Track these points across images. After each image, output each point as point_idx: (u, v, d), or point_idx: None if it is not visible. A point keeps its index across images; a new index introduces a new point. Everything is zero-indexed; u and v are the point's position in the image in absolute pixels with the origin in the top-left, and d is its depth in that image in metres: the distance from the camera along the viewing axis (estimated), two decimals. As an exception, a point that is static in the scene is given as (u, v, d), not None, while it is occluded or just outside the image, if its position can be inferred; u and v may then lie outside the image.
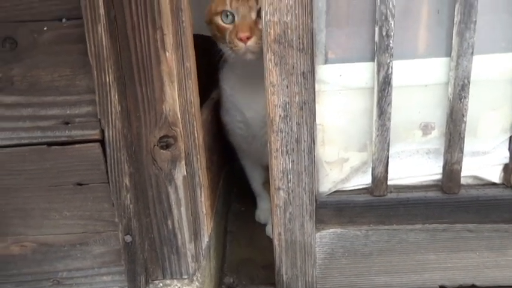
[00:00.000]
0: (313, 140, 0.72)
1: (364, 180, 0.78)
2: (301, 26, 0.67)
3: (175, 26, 0.60)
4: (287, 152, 0.73)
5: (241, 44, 0.81)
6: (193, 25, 0.79)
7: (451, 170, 0.75)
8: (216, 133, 1.02)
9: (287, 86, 0.70)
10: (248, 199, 1.19)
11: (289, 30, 0.67)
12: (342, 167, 0.78)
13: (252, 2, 0.82)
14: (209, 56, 0.93)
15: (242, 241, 1.06)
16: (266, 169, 0.88)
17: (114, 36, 0.55)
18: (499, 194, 0.76)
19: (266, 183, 1.09)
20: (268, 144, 0.72)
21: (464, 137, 0.73)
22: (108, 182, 0.59)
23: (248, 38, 0.80)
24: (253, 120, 0.94)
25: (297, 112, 0.71)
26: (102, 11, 0.51)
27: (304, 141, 0.72)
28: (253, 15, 0.83)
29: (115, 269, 0.64)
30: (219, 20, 0.85)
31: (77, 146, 0.57)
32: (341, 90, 0.73)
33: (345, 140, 0.76)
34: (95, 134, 0.57)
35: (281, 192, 0.75)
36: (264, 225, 1.12)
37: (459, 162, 0.74)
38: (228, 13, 0.83)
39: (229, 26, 0.84)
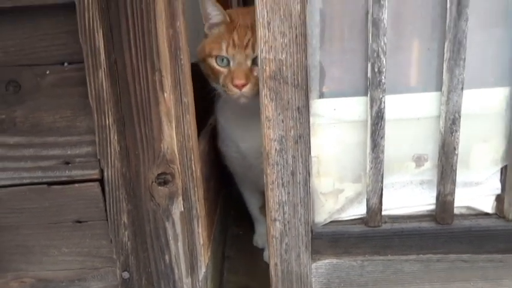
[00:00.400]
0: (308, 173, 0.74)
1: (359, 210, 0.79)
2: (295, 63, 0.69)
3: (174, 66, 0.62)
4: (283, 184, 0.74)
5: (236, 90, 0.81)
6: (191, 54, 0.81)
7: (444, 201, 0.76)
8: (214, 159, 1.04)
9: (282, 121, 0.71)
10: (246, 222, 1.20)
11: (284, 67, 0.69)
12: (337, 198, 0.79)
13: (248, 51, 0.83)
14: (206, 83, 0.95)
15: (240, 267, 1.07)
16: (263, 194, 0.89)
17: (114, 80, 0.57)
18: (492, 224, 0.77)
19: (263, 207, 1.10)
20: (265, 177, 0.74)
21: (456, 169, 0.74)
22: (107, 220, 0.60)
23: (243, 85, 0.81)
24: (248, 151, 0.96)
25: (292, 145, 0.72)
26: (103, 56, 0.54)
27: (300, 173, 0.74)
28: (249, 63, 0.83)
29: (113, 305, 0.65)
30: (213, 63, 0.85)
31: (76, 185, 0.59)
32: (335, 123, 0.75)
33: (339, 171, 0.78)
34: (94, 173, 0.58)
35: (277, 223, 0.76)
36: (262, 249, 1.13)
37: (452, 193, 0.75)
38: (224, 58, 0.84)
39: (224, 70, 0.84)
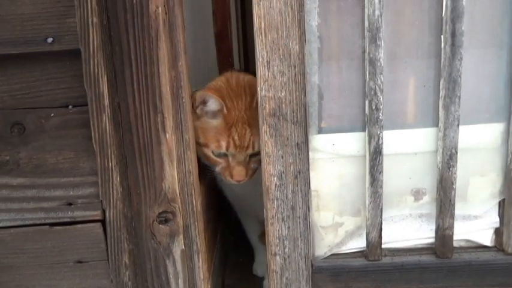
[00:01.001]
0: (308, 207, 0.74)
1: (359, 243, 0.79)
2: (294, 101, 0.71)
3: (176, 106, 0.64)
4: (283, 219, 0.75)
5: (234, 182, 0.82)
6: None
7: (443, 235, 0.76)
8: (215, 188, 1.04)
9: (282, 157, 0.72)
10: (245, 249, 1.19)
11: (283, 105, 0.71)
12: (337, 232, 0.79)
13: (249, 150, 0.81)
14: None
15: (239, 297, 1.06)
16: (262, 222, 0.89)
17: (118, 122, 0.58)
18: (491, 258, 0.78)
19: (263, 236, 1.09)
20: (265, 211, 0.75)
21: (454, 203, 0.75)
22: (108, 260, 0.60)
23: (243, 179, 0.81)
24: (244, 194, 0.96)
25: (292, 181, 0.73)
26: (107, 101, 0.55)
27: (299, 208, 0.74)
28: (247, 158, 0.82)
29: None
30: (209, 153, 0.81)
31: (78, 226, 0.59)
32: (334, 158, 0.76)
33: (339, 205, 0.78)
34: (96, 214, 0.59)
35: (277, 257, 0.76)
36: (262, 278, 1.12)
37: (451, 227, 0.76)
38: (221, 152, 0.81)
39: (221, 161, 0.82)
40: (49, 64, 0.57)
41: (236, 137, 0.81)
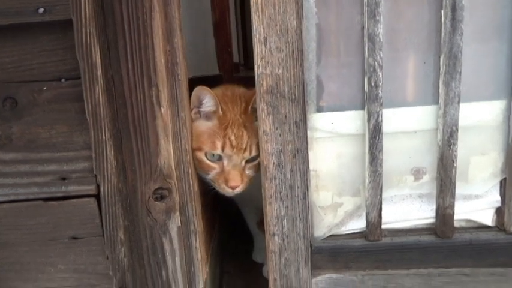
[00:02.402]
0: (306, 186, 0.73)
1: (358, 224, 0.78)
2: (292, 78, 0.70)
3: (171, 81, 0.63)
4: (281, 198, 0.74)
5: (229, 190, 0.79)
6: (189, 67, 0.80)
7: (444, 215, 0.75)
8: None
9: (280, 135, 0.71)
10: (245, 236, 1.19)
11: (281, 82, 0.70)
12: (336, 212, 0.78)
13: (246, 153, 0.78)
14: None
15: (239, 283, 1.05)
16: (261, 210, 0.88)
17: (111, 95, 0.57)
18: (492, 237, 0.77)
19: (261, 223, 1.09)
20: (263, 191, 0.74)
21: (455, 182, 0.74)
22: (103, 236, 0.59)
23: (238, 187, 0.78)
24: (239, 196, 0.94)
25: (290, 159, 0.72)
26: (99, 72, 0.54)
27: (298, 187, 0.73)
28: (243, 163, 0.79)
29: (109, 322, 0.63)
30: (203, 157, 0.77)
31: (72, 201, 0.58)
32: (333, 137, 0.75)
33: (338, 185, 0.77)
34: (90, 189, 0.58)
35: (276, 238, 0.75)
36: (261, 264, 1.11)
37: (451, 206, 0.75)
38: (216, 154, 0.78)
39: (216, 166, 0.78)
40: (41, 36, 0.56)
41: (233, 138, 0.78)
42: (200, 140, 0.77)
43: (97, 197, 0.58)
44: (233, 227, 1.27)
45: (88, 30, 0.54)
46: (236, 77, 1.53)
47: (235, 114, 0.80)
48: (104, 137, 0.57)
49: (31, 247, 0.60)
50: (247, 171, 0.80)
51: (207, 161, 0.78)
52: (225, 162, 0.79)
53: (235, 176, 0.78)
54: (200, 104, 0.78)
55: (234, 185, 0.77)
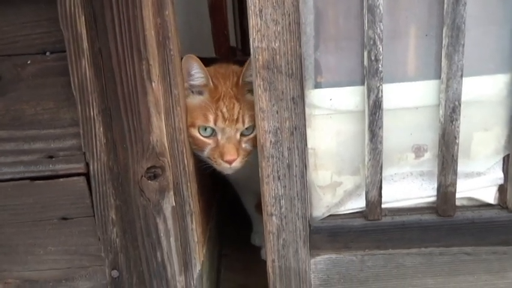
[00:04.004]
0: (304, 165, 0.71)
1: (358, 204, 0.77)
2: (289, 52, 0.67)
3: (162, 55, 0.60)
4: (279, 177, 0.72)
5: (226, 165, 0.76)
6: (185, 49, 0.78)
7: (446, 193, 0.74)
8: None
9: (277, 112, 0.69)
10: (243, 220, 1.18)
11: (277, 56, 0.67)
12: (335, 191, 0.76)
13: (239, 125, 0.76)
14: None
15: (237, 266, 1.04)
16: (258, 193, 0.87)
17: (99, 69, 0.54)
18: (495, 215, 0.75)
19: (259, 206, 1.07)
20: (260, 170, 0.71)
21: (457, 159, 0.72)
22: (94, 216, 0.57)
23: (234, 160, 0.76)
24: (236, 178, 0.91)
25: (288, 137, 0.70)
26: (85, 44, 0.51)
27: (296, 166, 0.71)
28: (238, 135, 0.77)
29: (103, 305, 0.62)
30: (195, 133, 0.75)
31: (61, 180, 0.56)
32: (332, 114, 0.73)
33: (337, 163, 0.75)
34: (79, 167, 0.56)
35: (274, 218, 0.74)
36: (260, 248, 1.10)
37: (453, 184, 0.73)
38: (209, 128, 0.76)
39: (210, 141, 0.76)
40: (24, 7, 0.52)
41: (224, 110, 0.76)
42: (193, 115, 0.76)
43: (87, 175, 0.56)
44: (231, 210, 1.26)
45: (72, 0, 0.50)
46: (233, 60, 1.50)
47: (227, 87, 0.78)
48: (92, 113, 0.54)
49: (19, 228, 0.58)
50: (244, 145, 0.78)
51: (201, 137, 0.76)
52: (219, 136, 0.77)
53: (230, 149, 0.75)
54: (189, 75, 0.76)
55: (229, 158, 0.75)
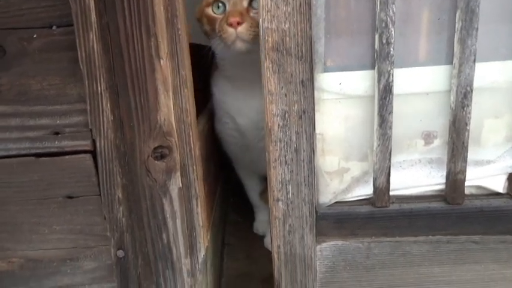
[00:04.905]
0: (312, 150, 0.70)
1: (365, 190, 0.76)
2: (299, 34, 0.66)
3: (170, 33, 0.59)
4: (286, 162, 0.71)
5: (231, 30, 0.79)
6: (190, 34, 0.77)
7: (455, 180, 0.73)
8: (213, 143, 1.00)
9: (286, 95, 0.68)
10: (246, 209, 1.17)
11: (287, 38, 0.66)
12: (342, 177, 0.75)
13: None
14: (204, 65, 0.92)
15: (240, 254, 1.04)
16: (263, 179, 0.86)
17: (107, 44, 0.53)
18: (504, 204, 0.74)
19: (264, 193, 1.07)
20: (267, 154, 0.70)
21: (467, 146, 0.71)
22: (100, 195, 0.56)
23: (239, 24, 0.78)
24: (246, 127, 0.92)
25: (296, 121, 0.69)
26: (93, 17, 0.50)
27: (304, 150, 0.70)
28: (245, 3, 0.82)
29: (107, 286, 0.61)
30: (209, 11, 0.84)
31: (67, 157, 0.55)
32: (341, 98, 0.72)
33: (345, 149, 0.74)
34: (85, 144, 0.54)
35: (280, 203, 0.73)
36: (263, 236, 1.10)
37: (463, 172, 0.72)
38: (220, 3, 0.83)
39: (220, 16, 0.83)
40: (30, -21, 0.51)
41: None
42: None
43: (93, 153, 0.55)
44: (234, 199, 1.25)
45: (80, -29, 0.49)
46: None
47: None
48: (99, 89, 0.53)
49: (23, 206, 0.57)
50: (252, 15, 0.81)
51: (213, 14, 0.83)
52: (227, 6, 0.83)
53: (234, 12, 0.79)
54: None
55: (233, 20, 0.78)
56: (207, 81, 1.00)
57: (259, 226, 1.13)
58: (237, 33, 0.79)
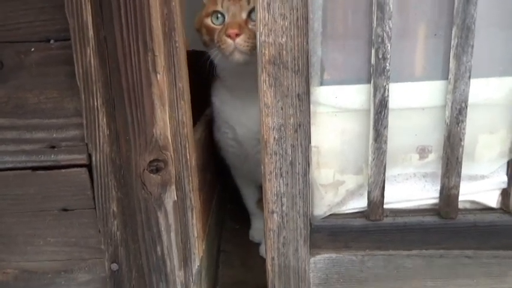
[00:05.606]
0: (307, 163, 0.71)
1: (360, 203, 0.76)
2: (296, 48, 0.66)
3: (168, 47, 0.59)
4: (281, 174, 0.71)
5: (229, 41, 0.80)
6: (188, 41, 0.78)
7: (449, 195, 0.73)
8: (210, 151, 1.01)
9: (282, 108, 0.68)
10: (242, 215, 1.18)
11: (284, 52, 0.66)
12: (337, 190, 0.76)
13: (243, 2, 0.82)
14: (203, 72, 0.92)
15: (235, 262, 1.04)
16: (260, 188, 0.86)
17: (104, 59, 0.53)
18: (497, 219, 0.75)
19: (260, 202, 1.07)
20: (262, 167, 0.71)
21: (462, 161, 0.71)
22: (95, 208, 0.57)
23: (237, 35, 0.79)
24: (244, 137, 0.93)
25: (292, 134, 0.69)
26: (91, 33, 0.50)
27: (299, 163, 0.71)
28: (244, 15, 0.82)
29: (101, 298, 0.61)
30: (209, 22, 0.85)
31: (62, 170, 0.55)
32: (337, 112, 0.72)
33: (340, 162, 0.75)
34: (81, 158, 0.55)
35: (275, 215, 0.73)
36: (258, 244, 1.10)
37: (457, 187, 0.73)
38: (219, 14, 0.84)
39: (219, 27, 0.84)
40: (28, -7, 0.51)
41: None
42: (208, 6, 0.86)
43: (88, 167, 0.55)
44: (231, 206, 1.25)
45: (78, -14, 0.49)
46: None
47: None
48: (95, 103, 0.53)
49: (19, 218, 0.58)
50: (250, 27, 0.82)
51: (213, 25, 0.84)
52: (226, 17, 0.83)
53: (233, 24, 0.80)
54: None
55: (231, 32, 0.79)
56: (206, 87, 1.01)
57: (255, 234, 1.14)
58: (235, 45, 0.79)
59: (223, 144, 0.99)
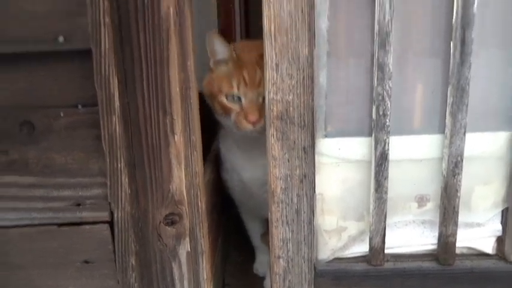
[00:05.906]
0: (312, 211, 0.74)
1: (362, 248, 0.80)
2: (302, 105, 0.71)
3: (184, 108, 0.63)
4: (287, 222, 0.75)
5: (249, 126, 0.82)
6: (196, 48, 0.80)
7: (446, 243, 0.77)
8: (218, 190, 1.04)
9: (288, 160, 0.73)
10: (246, 247, 1.20)
11: (291, 108, 0.71)
12: (340, 236, 0.80)
13: (260, 89, 0.82)
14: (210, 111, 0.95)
15: (240, 296, 1.06)
16: (265, 221, 0.89)
17: (127, 124, 0.58)
18: (493, 265, 0.78)
19: (265, 235, 1.10)
20: (269, 214, 0.75)
21: (458, 211, 0.75)
22: (115, 261, 0.60)
23: (257, 121, 0.82)
24: (250, 181, 0.96)
25: (298, 184, 0.73)
26: (117, 102, 0.55)
27: (304, 212, 0.75)
28: (260, 100, 0.83)
29: None
30: (223, 100, 0.85)
31: (86, 227, 0.59)
32: (340, 162, 0.76)
33: (343, 209, 0.79)
34: (104, 216, 0.59)
35: (281, 260, 0.77)
36: (263, 278, 1.12)
37: (454, 235, 0.76)
38: (236, 97, 0.84)
39: (236, 107, 0.85)
40: (59, 64, 0.56)
41: (247, 76, 0.84)
42: (220, 84, 0.86)
43: (110, 223, 0.59)
44: (235, 236, 1.28)
45: (107, 61, 0.54)
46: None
47: (251, 57, 0.85)
48: (119, 166, 0.58)
49: (43, 270, 0.61)
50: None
51: (228, 104, 0.85)
52: (243, 100, 0.84)
53: (253, 110, 0.82)
54: (215, 54, 0.86)
55: (253, 118, 0.82)
56: (213, 121, 1.03)
57: (259, 267, 1.16)
58: (254, 129, 0.83)
59: (230, 184, 1.03)
